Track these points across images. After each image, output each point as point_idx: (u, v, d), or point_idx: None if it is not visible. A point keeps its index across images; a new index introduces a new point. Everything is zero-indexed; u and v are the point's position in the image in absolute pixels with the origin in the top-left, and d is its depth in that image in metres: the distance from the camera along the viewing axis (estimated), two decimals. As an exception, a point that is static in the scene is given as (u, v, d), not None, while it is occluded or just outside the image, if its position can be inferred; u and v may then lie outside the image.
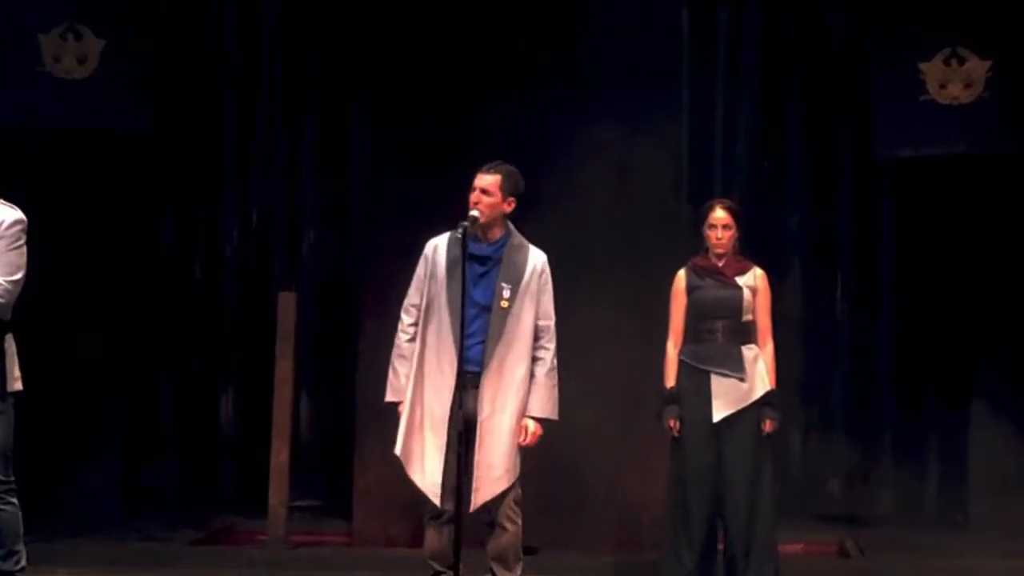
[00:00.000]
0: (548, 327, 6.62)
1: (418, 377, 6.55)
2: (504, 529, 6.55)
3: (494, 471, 6.47)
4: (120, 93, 9.26)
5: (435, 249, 6.63)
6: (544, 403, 6.57)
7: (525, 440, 6.51)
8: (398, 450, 6.55)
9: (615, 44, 8.88)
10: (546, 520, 7.99)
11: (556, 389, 6.63)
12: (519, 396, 6.54)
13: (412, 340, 6.61)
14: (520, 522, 6.61)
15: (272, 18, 10.38)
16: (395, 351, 6.70)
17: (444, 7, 8.93)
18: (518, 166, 6.69)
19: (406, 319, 6.68)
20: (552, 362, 6.61)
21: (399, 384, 6.64)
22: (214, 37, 10.32)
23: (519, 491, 6.60)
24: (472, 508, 6.44)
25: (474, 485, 6.43)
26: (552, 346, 6.62)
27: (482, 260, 6.53)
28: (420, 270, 6.66)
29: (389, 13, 9.03)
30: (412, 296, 6.68)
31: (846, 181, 10.19)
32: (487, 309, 6.50)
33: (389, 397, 6.68)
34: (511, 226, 6.64)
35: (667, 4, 9.20)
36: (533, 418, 6.55)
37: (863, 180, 10.11)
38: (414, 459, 6.51)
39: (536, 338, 6.59)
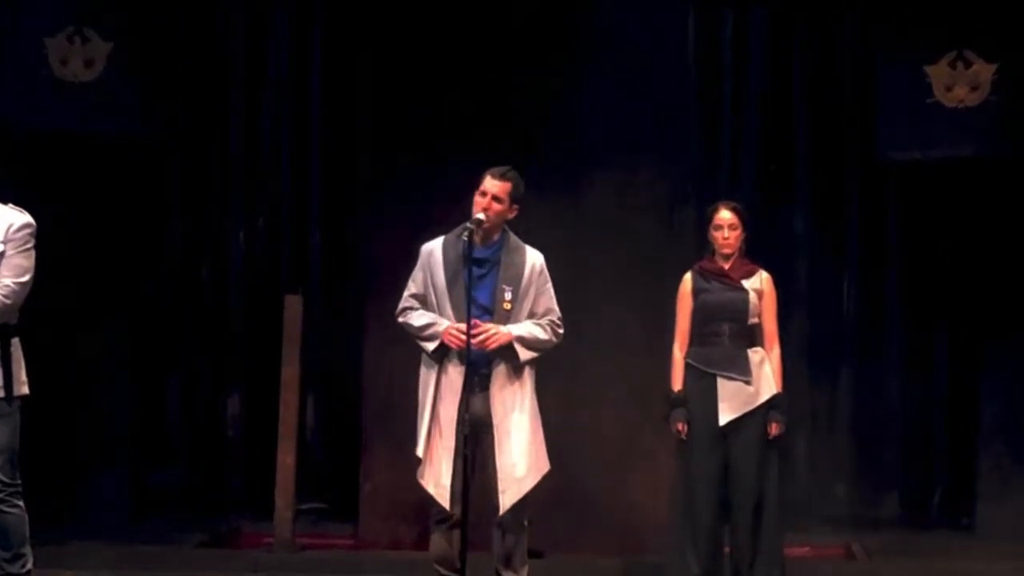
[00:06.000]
0: (546, 314, 6.58)
1: (435, 381, 6.51)
2: (511, 531, 6.55)
3: (517, 470, 6.45)
4: (127, 96, 9.26)
5: (431, 253, 6.61)
6: (523, 329, 6.49)
7: (477, 334, 6.36)
8: (419, 452, 6.52)
9: (621, 48, 8.89)
10: (552, 523, 8.00)
11: (541, 341, 6.52)
12: (530, 394, 6.54)
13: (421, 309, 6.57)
14: (527, 524, 6.61)
15: (278, 22, 10.39)
16: (408, 315, 6.59)
17: (451, 14, 8.93)
18: (524, 171, 6.69)
19: (410, 301, 6.62)
20: (549, 329, 6.55)
21: (433, 323, 6.50)
22: (221, 41, 10.32)
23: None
24: (501, 511, 6.42)
25: (500, 488, 6.41)
26: (548, 321, 6.56)
27: (480, 262, 6.50)
28: (419, 274, 6.64)
29: (396, 19, 9.05)
30: (411, 288, 6.64)
31: (852, 184, 10.17)
32: (489, 311, 6.49)
33: (433, 346, 6.49)
34: (507, 228, 6.63)
35: (673, 8, 9.20)
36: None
37: (869, 183, 10.10)
38: (425, 464, 6.49)
39: None
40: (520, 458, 6.46)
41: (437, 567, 6.57)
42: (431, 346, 6.50)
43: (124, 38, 9.28)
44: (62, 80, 9.26)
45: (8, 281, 6.03)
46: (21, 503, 6.18)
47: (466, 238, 6.37)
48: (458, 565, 6.41)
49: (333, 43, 10.31)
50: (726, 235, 7.39)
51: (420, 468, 6.50)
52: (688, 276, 7.50)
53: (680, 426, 7.35)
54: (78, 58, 9.26)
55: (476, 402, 6.43)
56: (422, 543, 7.48)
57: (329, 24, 10.30)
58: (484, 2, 8.95)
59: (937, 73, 9.09)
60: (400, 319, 6.64)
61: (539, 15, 8.92)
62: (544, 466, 6.56)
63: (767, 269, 7.51)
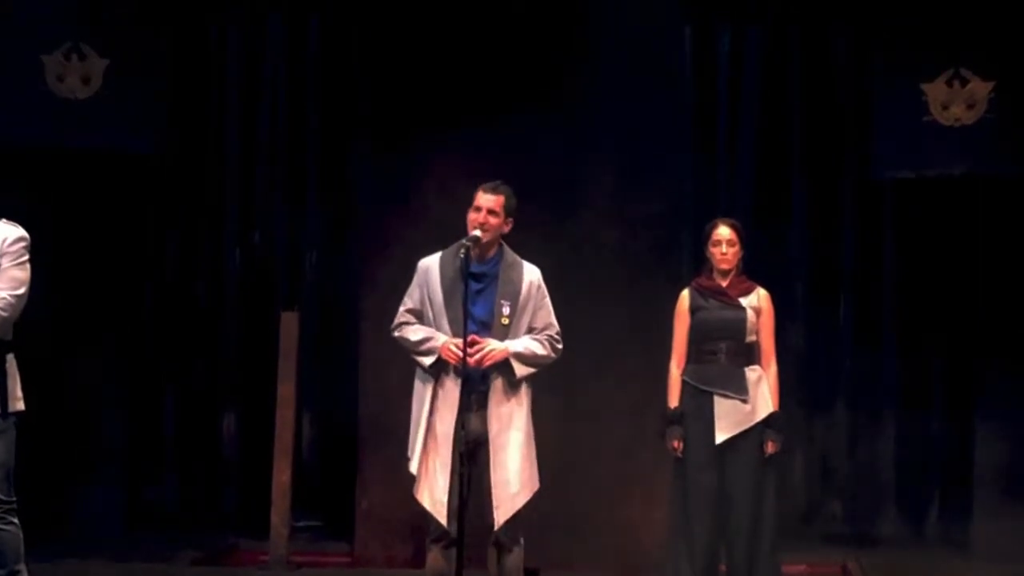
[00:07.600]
0: (545, 328, 6.57)
1: (431, 396, 6.52)
2: (508, 549, 6.53)
3: (511, 487, 6.44)
4: (124, 113, 9.27)
5: (428, 269, 6.61)
6: (520, 344, 6.49)
7: (475, 350, 6.34)
8: (413, 468, 6.52)
9: (617, 65, 8.90)
10: (547, 541, 7.98)
11: (538, 356, 6.51)
12: (526, 411, 6.54)
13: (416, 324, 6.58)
14: (522, 541, 6.60)
15: (275, 39, 10.40)
16: (404, 330, 6.57)
17: (443, 30, 8.94)
18: (519, 188, 6.69)
19: (407, 316, 6.61)
20: (548, 344, 6.54)
21: (430, 338, 6.49)
22: (217, 57, 10.35)
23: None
24: (496, 526, 6.41)
25: (494, 504, 6.41)
26: (547, 336, 6.55)
27: (478, 277, 6.50)
28: (415, 290, 6.64)
29: (394, 34, 9.06)
30: (407, 304, 6.64)
31: (848, 202, 10.18)
32: (487, 326, 6.49)
33: (430, 361, 6.47)
34: (504, 243, 6.64)
35: (669, 25, 9.21)
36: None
37: (865, 201, 10.11)
38: (421, 480, 6.48)
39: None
40: (514, 475, 6.46)
41: (432, 584, 6.57)
42: (428, 360, 6.49)
43: (121, 55, 9.30)
44: (59, 97, 9.27)
45: (4, 294, 6.03)
46: (16, 520, 6.16)
47: (463, 254, 6.37)
48: (454, 582, 6.40)
49: (329, 59, 10.33)
50: (724, 251, 7.38)
51: (416, 484, 6.49)
52: (685, 293, 7.49)
53: (676, 443, 7.34)
54: (75, 75, 9.27)
55: (473, 419, 6.42)
56: (418, 561, 7.46)
57: (325, 40, 10.32)
58: (480, 25, 8.95)
59: (933, 91, 9.10)
60: (396, 333, 6.64)
61: (534, 34, 8.93)
62: (535, 484, 6.55)
63: (763, 287, 7.51)
